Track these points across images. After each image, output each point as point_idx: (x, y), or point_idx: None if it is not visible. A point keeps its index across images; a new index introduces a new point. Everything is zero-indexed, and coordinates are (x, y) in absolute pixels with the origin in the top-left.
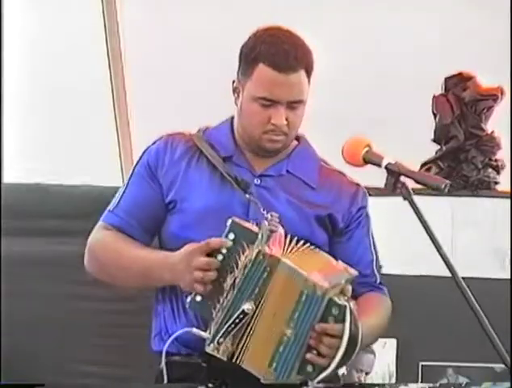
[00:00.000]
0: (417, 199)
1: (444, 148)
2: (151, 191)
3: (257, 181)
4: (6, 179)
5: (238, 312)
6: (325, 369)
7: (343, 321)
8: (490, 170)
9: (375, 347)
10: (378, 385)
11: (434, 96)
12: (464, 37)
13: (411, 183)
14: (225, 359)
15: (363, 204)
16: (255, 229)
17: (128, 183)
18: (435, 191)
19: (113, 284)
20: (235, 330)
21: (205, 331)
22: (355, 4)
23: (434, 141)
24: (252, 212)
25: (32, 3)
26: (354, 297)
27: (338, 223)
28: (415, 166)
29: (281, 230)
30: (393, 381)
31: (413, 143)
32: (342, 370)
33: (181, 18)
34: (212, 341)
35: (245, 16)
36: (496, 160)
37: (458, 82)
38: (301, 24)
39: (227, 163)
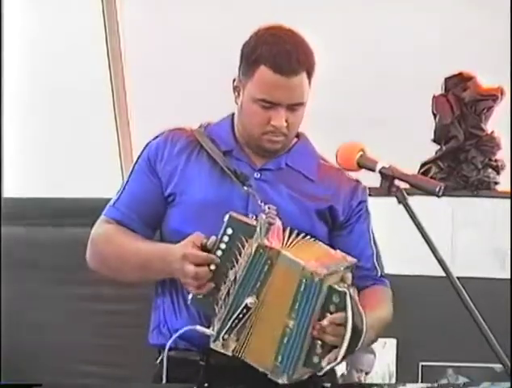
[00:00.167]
0: (417, 199)
1: (444, 148)
2: (151, 185)
3: (257, 175)
4: (6, 179)
5: (241, 307)
6: (332, 359)
7: (345, 308)
8: (490, 170)
9: (375, 347)
10: (378, 385)
11: (434, 96)
12: (464, 37)
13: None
14: (230, 354)
15: (363, 198)
16: (253, 222)
17: (128, 177)
18: (430, 195)
19: (115, 278)
20: (239, 325)
21: (207, 325)
22: (355, 4)
23: (434, 141)
24: (251, 205)
25: (32, 3)
26: (358, 291)
27: (339, 216)
28: (415, 166)
29: (279, 223)
30: (393, 381)
31: (413, 143)
32: (342, 370)
33: (181, 18)
34: (217, 338)
35: (245, 16)
36: (496, 160)
37: (458, 82)
38: (301, 24)
39: (227, 157)
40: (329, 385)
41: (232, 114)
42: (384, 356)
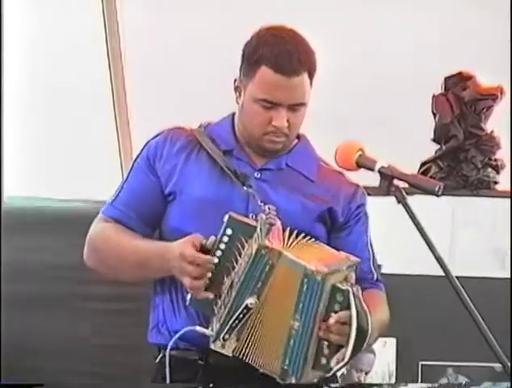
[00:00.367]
0: (416, 199)
1: (444, 147)
2: (150, 183)
3: (257, 174)
4: (6, 179)
5: (242, 307)
6: (340, 359)
7: (349, 306)
8: (490, 169)
9: (375, 346)
10: (378, 384)
11: (433, 95)
12: (464, 37)
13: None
14: (230, 355)
15: (361, 202)
16: (253, 223)
17: (127, 176)
18: (429, 194)
19: (113, 277)
20: (239, 325)
21: (206, 325)
22: (355, 4)
23: (434, 140)
24: (252, 206)
25: (32, 3)
26: None
27: (338, 218)
28: (415, 166)
29: (279, 223)
30: (393, 380)
31: (413, 143)
32: (342, 370)
33: (181, 18)
34: (217, 338)
35: (245, 16)
36: (495, 160)
37: (458, 82)
38: (301, 24)
39: (227, 157)
40: (330, 385)
41: (233, 114)
42: (383, 356)
